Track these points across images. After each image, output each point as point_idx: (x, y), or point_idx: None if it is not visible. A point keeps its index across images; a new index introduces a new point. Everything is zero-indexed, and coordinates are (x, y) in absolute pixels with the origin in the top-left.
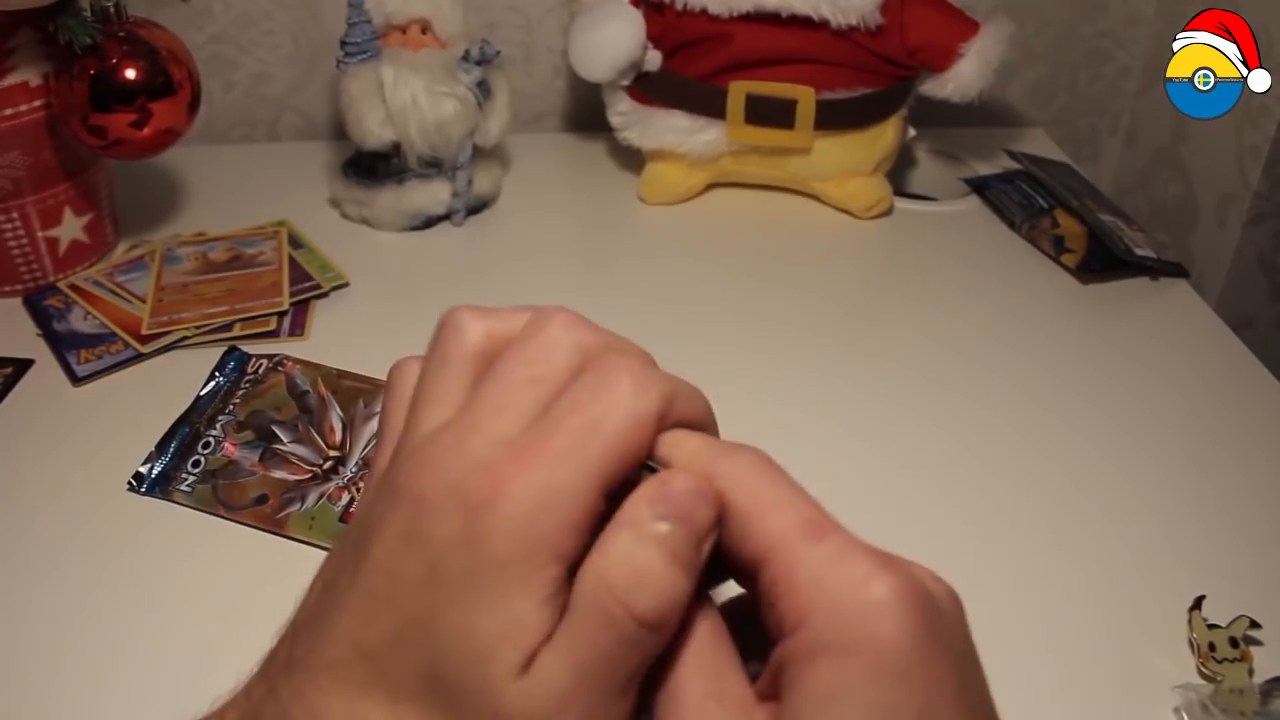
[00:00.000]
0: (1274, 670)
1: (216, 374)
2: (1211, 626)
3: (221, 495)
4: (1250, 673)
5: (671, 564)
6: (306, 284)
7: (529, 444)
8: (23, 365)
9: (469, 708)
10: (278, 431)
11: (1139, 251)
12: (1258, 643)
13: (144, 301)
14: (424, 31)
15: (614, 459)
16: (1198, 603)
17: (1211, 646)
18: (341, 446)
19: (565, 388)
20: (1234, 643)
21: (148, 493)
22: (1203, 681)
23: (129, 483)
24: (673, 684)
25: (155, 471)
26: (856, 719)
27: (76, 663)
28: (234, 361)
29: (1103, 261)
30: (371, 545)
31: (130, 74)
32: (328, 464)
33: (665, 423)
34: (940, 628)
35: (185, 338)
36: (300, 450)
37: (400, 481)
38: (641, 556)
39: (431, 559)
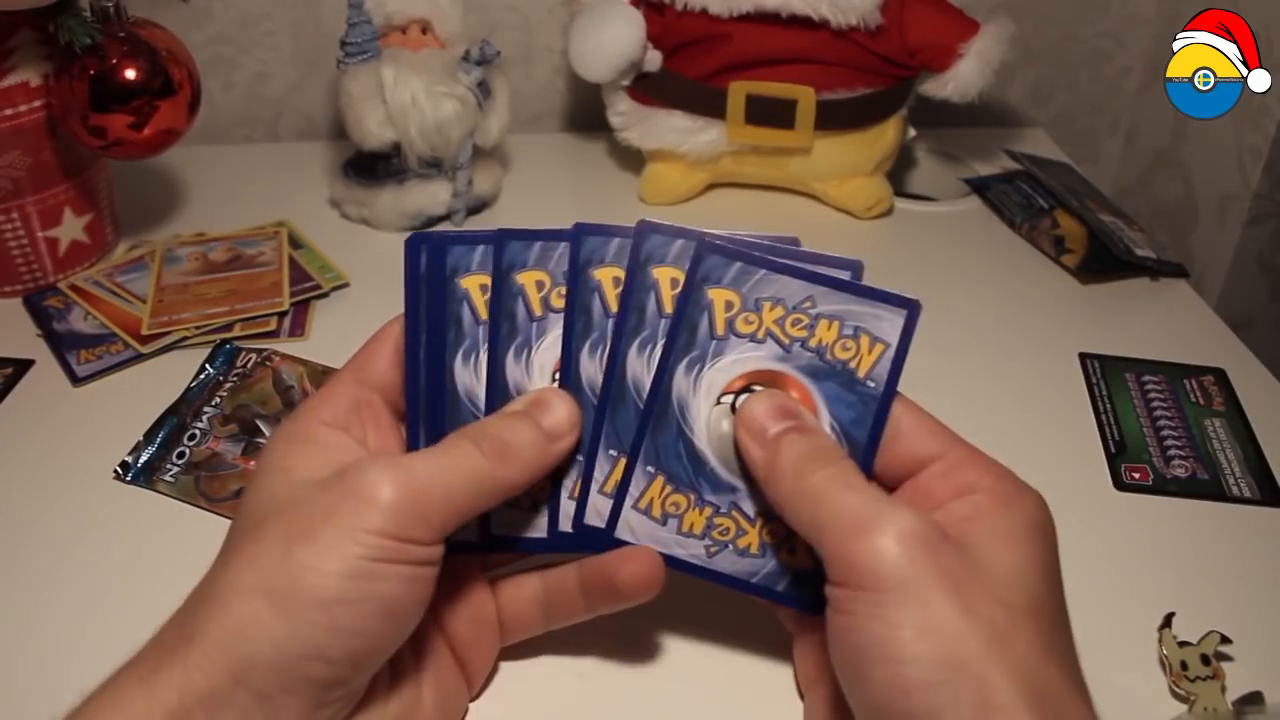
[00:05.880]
0: (1247, 686)
1: (207, 365)
2: (1182, 644)
3: (203, 487)
4: (1223, 690)
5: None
6: (306, 284)
7: None
8: (23, 365)
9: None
10: (261, 426)
11: (1139, 251)
12: (1229, 658)
13: (144, 302)
14: (424, 32)
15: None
16: (1167, 620)
17: (1183, 665)
18: None
19: None
20: (1205, 660)
21: (133, 481)
22: (1180, 703)
23: (115, 470)
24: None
25: (141, 461)
26: (1025, 544)
27: (76, 665)
28: (224, 355)
29: (1103, 261)
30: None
31: (130, 74)
32: None
33: None
34: None
35: (185, 338)
36: None
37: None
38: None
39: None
